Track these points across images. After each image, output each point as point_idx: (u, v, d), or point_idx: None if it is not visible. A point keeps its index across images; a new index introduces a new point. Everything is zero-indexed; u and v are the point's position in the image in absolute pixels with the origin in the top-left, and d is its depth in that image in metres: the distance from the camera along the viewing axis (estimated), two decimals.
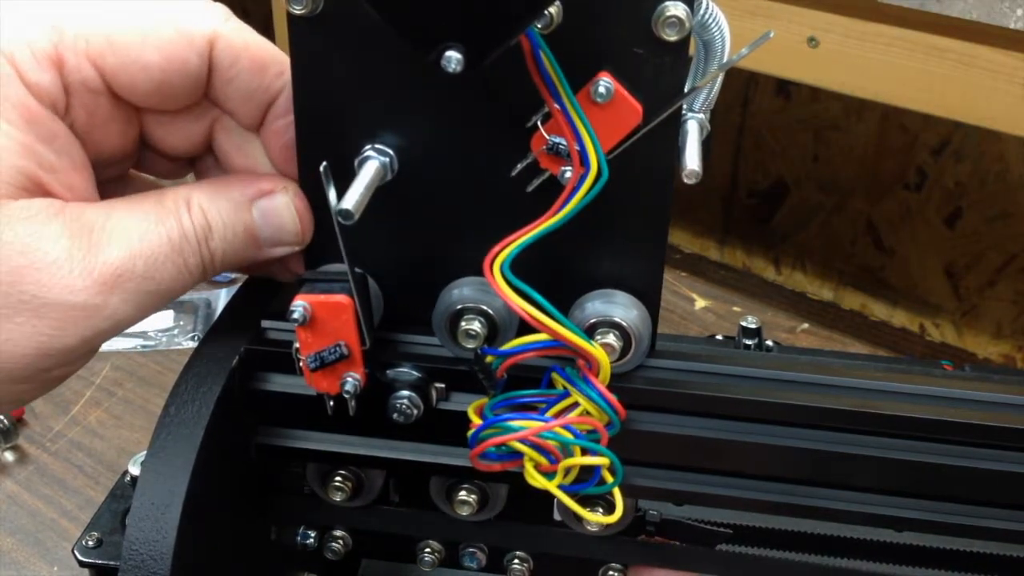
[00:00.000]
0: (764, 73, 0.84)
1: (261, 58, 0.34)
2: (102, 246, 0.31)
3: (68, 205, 0.31)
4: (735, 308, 0.86)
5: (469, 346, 0.34)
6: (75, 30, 0.32)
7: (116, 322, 0.32)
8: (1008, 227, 0.87)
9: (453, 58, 0.28)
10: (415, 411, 0.36)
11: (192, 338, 0.78)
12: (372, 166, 0.33)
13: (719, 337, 0.49)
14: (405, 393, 0.36)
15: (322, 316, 0.33)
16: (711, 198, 1.03)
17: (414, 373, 0.36)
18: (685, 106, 0.33)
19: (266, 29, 0.84)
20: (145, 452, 0.33)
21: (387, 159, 0.33)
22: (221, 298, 0.82)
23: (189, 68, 0.33)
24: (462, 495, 0.39)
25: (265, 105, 0.35)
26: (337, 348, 0.33)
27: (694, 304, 0.86)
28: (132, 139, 0.35)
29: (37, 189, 0.31)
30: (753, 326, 0.46)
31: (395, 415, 0.36)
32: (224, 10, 0.34)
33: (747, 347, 0.45)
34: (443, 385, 0.36)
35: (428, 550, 0.42)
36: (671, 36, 0.30)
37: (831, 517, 0.37)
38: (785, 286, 0.96)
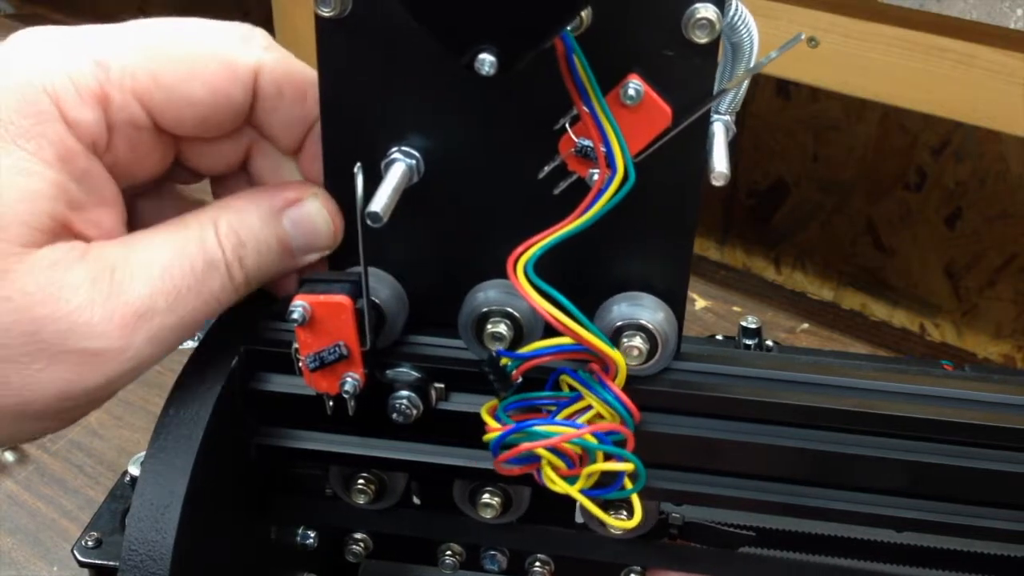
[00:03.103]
0: (764, 73, 0.84)
1: (303, 87, 0.34)
2: (124, 286, 0.31)
3: (92, 246, 0.31)
4: (735, 308, 0.86)
5: (495, 348, 0.34)
6: (121, 67, 0.31)
7: (139, 362, 0.32)
8: (1008, 227, 0.87)
9: (487, 61, 0.27)
10: (414, 411, 0.36)
11: (192, 338, 0.78)
12: (399, 168, 0.33)
13: (719, 337, 0.49)
14: (404, 393, 0.36)
15: (321, 316, 0.33)
16: (711, 198, 1.03)
17: (413, 373, 0.36)
18: (712, 108, 0.32)
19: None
20: (145, 452, 0.34)
21: (414, 161, 0.33)
22: None
23: (233, 101, 0.33)
24: (485, 498, 0.38)
25: (305, 131, 0.35)
26: (336, 348, 0.33)
27: (694, 304, 0.86)
28: (169, 163, 0.35)
29: (63, 230, 0.31)
30: (753, 326, 0.45)
31: (394, 415, 0.36)
32: (265, 37, 0.34)
33: (747, 347, 0.45)
34: (443, 385, 0.36)
35: (449, 552, 0.42)
36: (701, 38, 0.30)
37: (830, 517, 0.37)
38: (785, 286, 0.96)
